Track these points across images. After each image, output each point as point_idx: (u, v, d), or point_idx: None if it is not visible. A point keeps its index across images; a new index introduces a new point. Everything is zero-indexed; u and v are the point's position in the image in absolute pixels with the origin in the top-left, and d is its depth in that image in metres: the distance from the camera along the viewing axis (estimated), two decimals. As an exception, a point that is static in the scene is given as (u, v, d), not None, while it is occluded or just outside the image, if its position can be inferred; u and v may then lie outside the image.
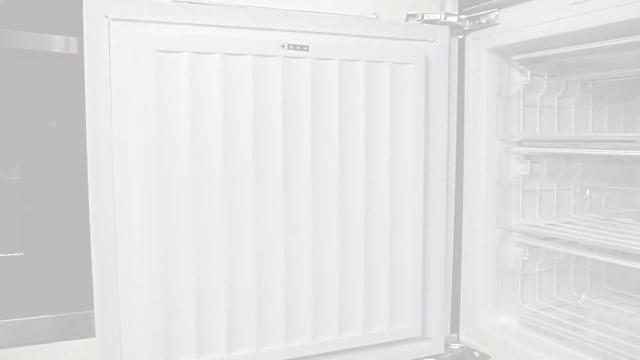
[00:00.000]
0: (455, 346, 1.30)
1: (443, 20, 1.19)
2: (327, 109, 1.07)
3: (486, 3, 1.17)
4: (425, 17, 1.19)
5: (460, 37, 1.24)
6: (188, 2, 0.98)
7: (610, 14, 0.95)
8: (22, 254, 1.10)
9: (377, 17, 1.14)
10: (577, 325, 1.21)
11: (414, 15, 1.18)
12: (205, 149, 0.99)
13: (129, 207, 0.97)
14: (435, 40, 1.17)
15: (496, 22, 1.17)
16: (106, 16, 0.92)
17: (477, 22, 1.20)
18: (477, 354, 1.27)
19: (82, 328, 1.10)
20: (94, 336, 0.98)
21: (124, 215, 0.97)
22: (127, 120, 0.95)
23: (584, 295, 1.32)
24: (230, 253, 1.02)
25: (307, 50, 1.03)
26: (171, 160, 0.97)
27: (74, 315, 1.12)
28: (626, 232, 1.15)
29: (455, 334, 1.32)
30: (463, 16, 1.22)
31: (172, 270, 0.99)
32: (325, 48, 1.05)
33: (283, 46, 1.02)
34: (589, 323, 1.22)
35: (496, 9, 1.16)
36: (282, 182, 1.05)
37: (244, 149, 1.01)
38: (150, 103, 0.94)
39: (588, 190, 1.33)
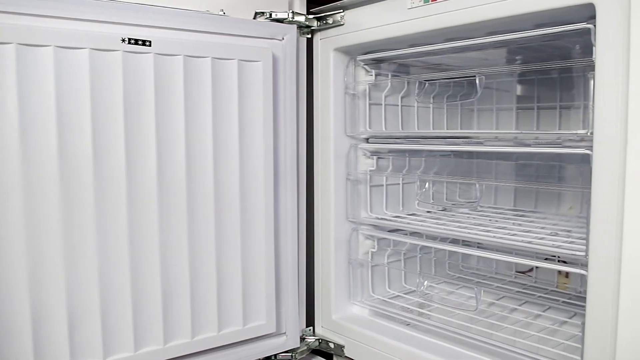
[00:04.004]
0: (311, 339, 1.33)
1: (291, 19, 1.20)
2: (173, 106, 1.04)
3: (332, 4, 1.21)
4: (273, 16, 1.19)
5: (309, 36, 1.26)
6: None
7: (441, 19, 1.02)
8: None
9: (224, 13, 1.13)
10: (423, 310, 1.29)
11: (262, 13, 1.19)
12: (37, 149, 0.92)
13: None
14: (283, 38, 1.18)
15: (342, 23, 1.21)
16: None
17: (324, 22, 1.23)
18: (332, 345, 1.31)
19: None
20: None
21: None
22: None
23: (426, 282, 1.40)
24: (69, 260, 0.96)
25: (149, 46, 1.00)
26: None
27: None
28: (464, 222, 1.25)
29: (311, 327, 1.35)
30: (310, 16, 1.24)
31: (4, 286, 0.91)
32: (169, 43, 1.02)
33: (123, 40, 0.97)
34: (434, 307, 1.31)
35: (341, 10, 1.20)
36: (126, 182, 1.00)
37: (82, 149, 0.96)
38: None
39: (427, 183, 1.42)
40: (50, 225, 0.94)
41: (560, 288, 1.38)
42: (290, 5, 1.23)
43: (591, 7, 0.81)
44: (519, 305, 1.30)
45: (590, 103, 0.84)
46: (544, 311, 1.26)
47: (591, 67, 0.83)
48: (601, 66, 0.81)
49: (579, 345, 0.89)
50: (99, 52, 0.95)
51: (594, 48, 0.82)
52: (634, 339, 0.80)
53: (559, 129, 1.39)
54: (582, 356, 0.87)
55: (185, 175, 1.07)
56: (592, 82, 0.83)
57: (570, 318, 1.21)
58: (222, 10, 1.13)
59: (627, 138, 0.77)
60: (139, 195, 1.02)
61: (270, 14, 1.19)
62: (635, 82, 0.76)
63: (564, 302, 1.29)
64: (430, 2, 1.03)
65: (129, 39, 0.98)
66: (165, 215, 1.05)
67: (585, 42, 0.87)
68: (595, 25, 0.82)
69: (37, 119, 0.91)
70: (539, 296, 1.34)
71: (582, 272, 0.88)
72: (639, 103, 0.76)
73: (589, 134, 0.85)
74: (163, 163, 1.04)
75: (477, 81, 1.07)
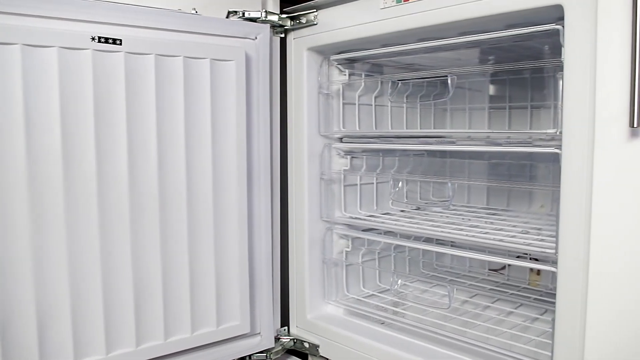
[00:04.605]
0: (285, 339, 1.33)
1: (264, 19, 1.20)
2: (145, 106, 1.03)
3: (305, 3, 1.20)
4: (246, 15, 1.19)
5: (282, 35, 1.26)
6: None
7: (414, 19, 1.03)
8: None
9: (196, 12, 1.12)
10: (398, 309, 1.29)
11: (234, 12, 1.18)
12: (4, 150, 0.90)
13: None
14: (256, 38, 1.18)
15: (315, 23, 1.21)
16: None
17: (298, 21, 1.23)
18: (307, 345, 1.30)
19: None
20: None
21: None
22: None
23: (399, 281, 1.41)
24: (38, 261, 0.94)
25: (120, 44, 0.98)
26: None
27: None
28: (437, 221, 1.26)
29: (286, 327, 1.34)
30: (284, 15, 1.24)
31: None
32: (140, 42, 1.01)
33: (93, 39, 0.96)
34: (408, 306, 1.32)
35: (315, 10, 1.20)
36: (96, 183, 0.99)
37: (51, 150, 0.94)
38: None
39: (401, 183, 1.42)
40: (18, 227, 0.92)
41: (532, 285, 1.40)
42: (264, 5, 1.23)
43: (560, 9, 0.83)
44: (492, 303, 1.32)
45: (560, 103, 0.85)
46: (516, 308, 1.27)
47: (560, 67, 0.84)
48: (569, 66, 0.82)
49: (550, 341, 0.90)
50: (68, 51, 0.94)
51: (562, 49, 0.84)
52: (602, 333, 0.81)
53: (531, 129, 1.41)
54: (552, 352, 0.88)
55: (157, 176, 1.05)
56: (561, 82, 0.85)
57: (541, 315, 1.23)
58: (194, 9, 1.12)
59: (594, 137, 0.79)
60: (109, 195, 1.01)
61: (243, 13, 1.19)
62: (602, 82, 0.78)
63: (535, 299, 1.31)
64: (402, 2, 1.03)
65: (99, 38, 0.97)
66: (137, 215, 1.04)
67: (554, 43, 0.89)
68: (563, 27, 0.83)
69: (3, 119, 0.89)
70: (511, 293, 1.36)
71: (552, 269, 0.89)
72: (606, 103, 0.78)
73: (558, 133, 0.86)
74: (134, 163, 1.03)
75: (449, 81, 1.08)
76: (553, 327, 0.88)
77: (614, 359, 0.81)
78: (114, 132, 1.00)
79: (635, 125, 0.73)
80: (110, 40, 0.98)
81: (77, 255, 0.99)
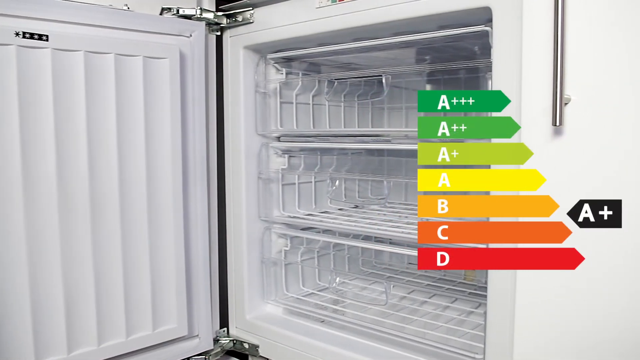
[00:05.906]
0: (224, 340, 1.31)
1: (199, 16, 1.18)
2: (74, 105, 0.99)
3: (241, 1, 1.19)
4: (181, 12, 1.16)
5: (218, 33, 1.25)
6: None
7: (348, 19, 1.04)
8: None
9: (128, 8, 1.09)
10: (337, 307, 1.30)
11: (168, 9, 1.16)
12: None
13: None
14: (191, 35, 1.16)
15: (251, 21, 1.20)
16: None
17: (234, 19, 1.22)
18: (246, 345, 1.29)
19: None
20: None
21: None
22: None
23: (337, 279, 1.42)
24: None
25: (46, 40, 0.95)
26: None
27: None
28: (375, 218, 1.27)
29: (225, 328, 1.33)
30: (220, 13, 1.23)
31: None
32: (68, 38, 0.97)
33: (17, 34, 0.92)
34: (347, 303, 1.32)
35: (251, 8, 1.19)
36: (22, 184, 0.95)
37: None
38: None
39: (338, 181, 1.43)
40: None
41: (467, 280, 1.44)
42: (199, 2, 1.21)
43: (489, 11, 0.85)
44: (429, 298, 1.34)
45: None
46: (452, 303, 1.30)
47: (490, 67, 0.87)
48: (497, 67, 0.85)
49: (483, 334, 0.93)
50: (-10, 46, 0.90)
51: (492, 49, 0.86)
52: (529, 323, 0.84)
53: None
54: (484, 344, 0.91)
55: (87, 176, 1.02)
56: (490, 82, 0.87)
57: (476, 308, 1.26)
58: (127, 5, 1.09)
59: (521, 135, 0.81)
60: (37, 196, 0.97)
61: (178, 10, 1.16)
62: (527, 81, 0.80)
63: (470, 293, 1.34)
64: (337, 2, 1.04)
65: (24, 33, 0.93)
66: (66, 217, 1.01)
67: (484, 44, 0.91)
68: (492, 28, 0.85)
69: None
70: (447, 288, 1.39)
71: (485, 263, 0.91)
72: (531, 102, 0.80)
73: (488, 131, 0.88)
74: (63, 164, 0.99)
75: (384, 80, 1.10)
76: (485, 320, 0.90)
77: (542, 349, 0.84)
78: (41, 132, 0.97)
79: (558, 124, 0.76)
80: (36, 36, 0.94)
81: (1, 259, 0.94)
